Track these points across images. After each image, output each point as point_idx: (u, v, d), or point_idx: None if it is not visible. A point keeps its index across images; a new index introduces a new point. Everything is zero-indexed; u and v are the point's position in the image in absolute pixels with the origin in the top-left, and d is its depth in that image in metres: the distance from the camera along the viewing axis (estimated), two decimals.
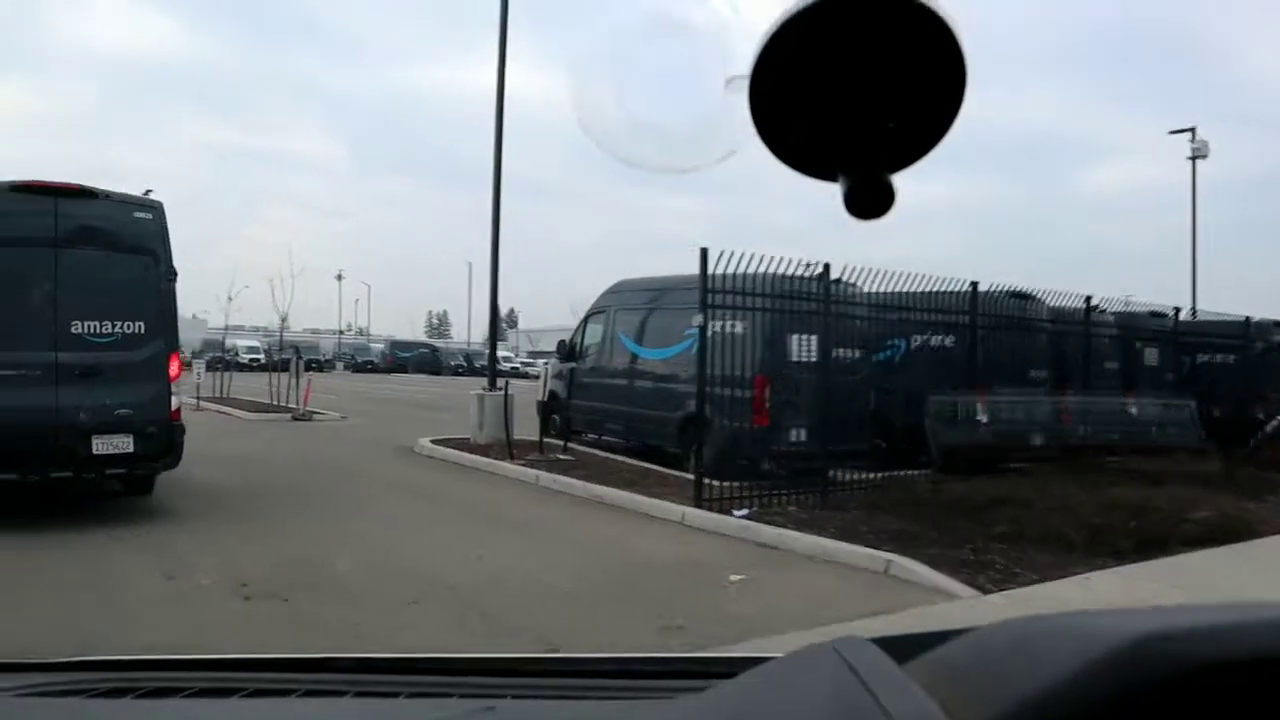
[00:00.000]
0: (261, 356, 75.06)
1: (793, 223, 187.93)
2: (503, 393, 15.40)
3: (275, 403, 23.41)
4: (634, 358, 14.95)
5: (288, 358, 70.10)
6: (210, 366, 29.43)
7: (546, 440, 14.94)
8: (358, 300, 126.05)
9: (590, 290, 17.20)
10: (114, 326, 8.54)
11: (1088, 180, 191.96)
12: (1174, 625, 0.71)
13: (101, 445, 8.32)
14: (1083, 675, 0.68)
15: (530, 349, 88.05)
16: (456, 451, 14.78)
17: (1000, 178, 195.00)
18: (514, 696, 1.31)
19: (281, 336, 28.59)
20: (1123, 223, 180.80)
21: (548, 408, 16.32)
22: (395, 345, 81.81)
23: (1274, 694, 0.66)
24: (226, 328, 31.93)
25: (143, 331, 8.68)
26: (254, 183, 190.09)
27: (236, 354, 73.66)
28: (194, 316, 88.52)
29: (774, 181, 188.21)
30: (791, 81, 0.73)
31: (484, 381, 17.41)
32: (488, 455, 14.14)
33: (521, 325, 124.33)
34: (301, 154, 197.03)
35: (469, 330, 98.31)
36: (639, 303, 15.16)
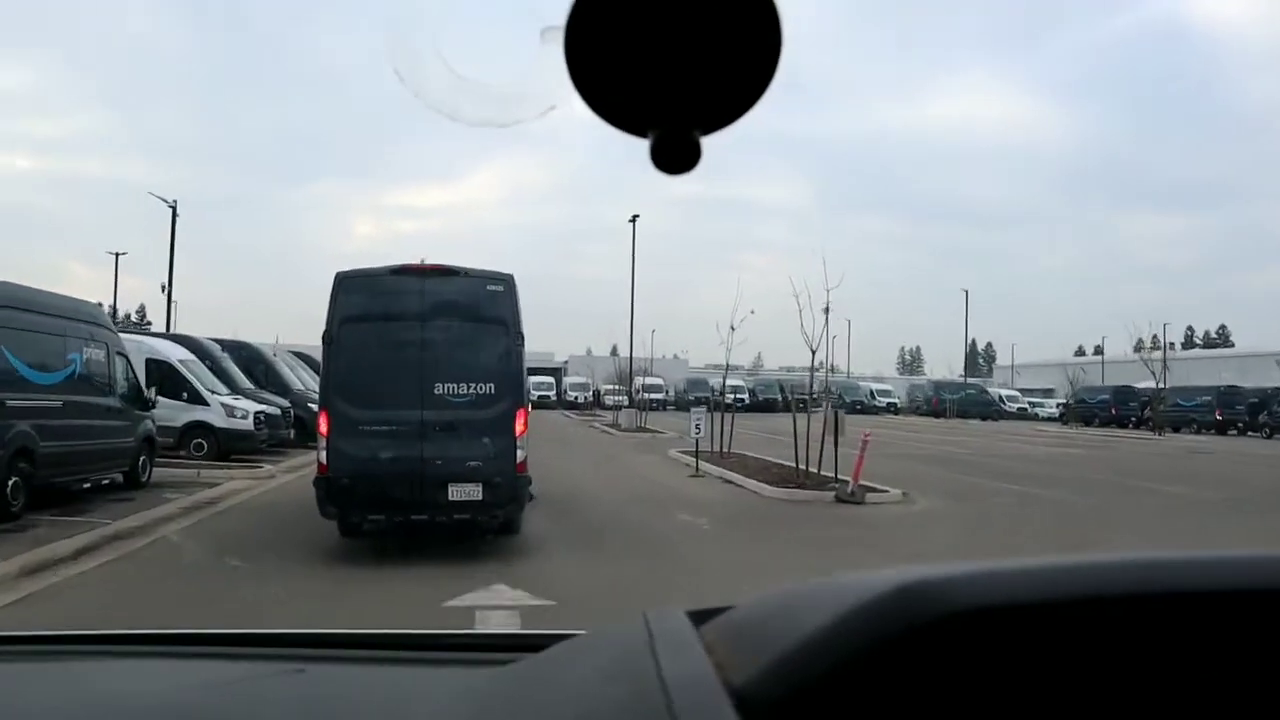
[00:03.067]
0: (746, 396, 70.86)
1: None
2: None
3: (800, 467, 15.92)
4: None
5: (772, 397, 64.07)
6: (710, 409, 23.10)
7: None
8: (834, 337, 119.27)
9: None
10: (469, 388, 9.31)
11: None
12: (923, 577, 0.74)
13: (456, 493, 9.07)
14: (836, 627, 0.71)
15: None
16: None
17: None
18: (327, 662, 1.40)
19: (812, 374, 21.01)
20: None
21: None
22: (940, 386, 73.82)
23: (1011, 635, 0.70)
24: (728, 366, 25.20)
25: (493, 392, 9.32)
26: (725, 231, 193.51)
27: (718, 393, 70.27)
28: (675, 357, 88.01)
29: None
30: (605, 33, 0.73)
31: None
32: None
33: (1000, 361, 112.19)
34: (771, 201, 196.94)
35: (966, 365, 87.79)
36: None
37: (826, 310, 16.78)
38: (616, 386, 61.57)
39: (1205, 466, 22.54)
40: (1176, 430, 46.29)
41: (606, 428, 38.43)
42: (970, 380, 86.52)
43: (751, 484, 15.79)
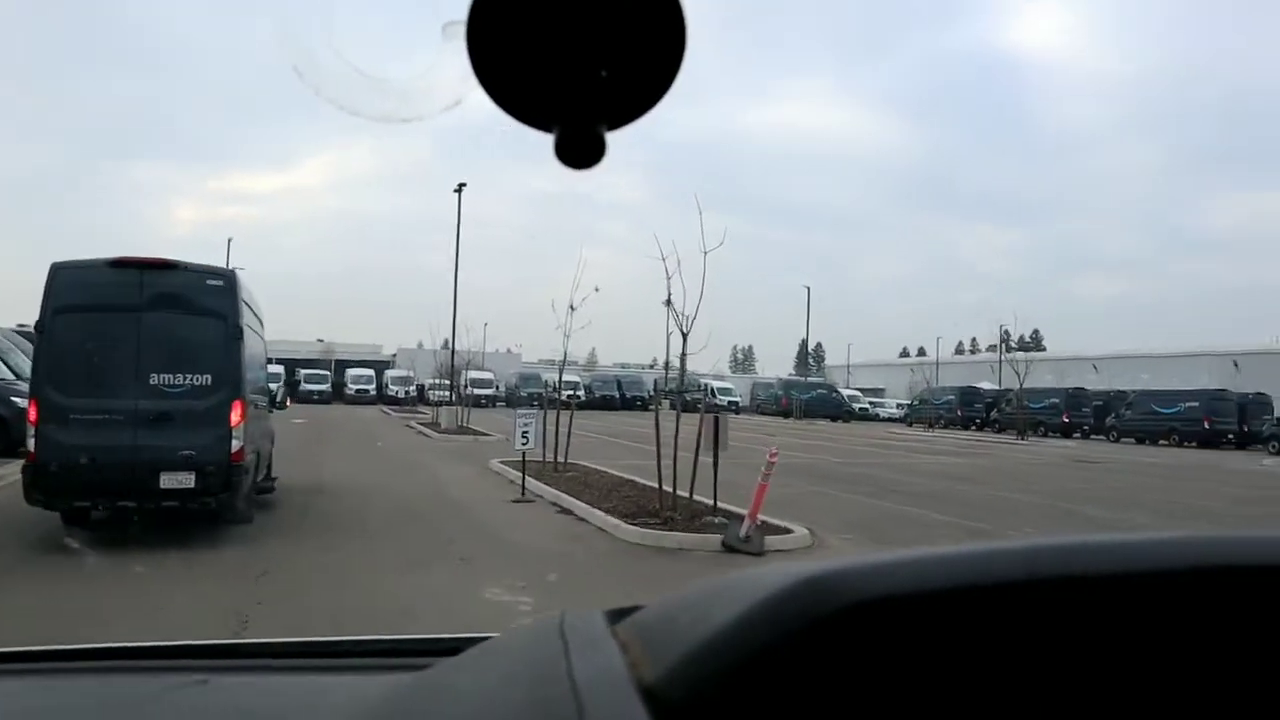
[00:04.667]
0: (581, 393, 66.33)
1: (1121, 250, 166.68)
2: None
3: (664, 489, 11.57)
4: None
5: (610, 394, 59.62)
6: (544, 406, 18.80)
7: None
8: (670, 334, 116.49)
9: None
10: (185, 379, 9.42)
11: None
12: (826, 569, 0.73)
13: (168, 480, 9.17)
14: (741, 622, 0.71)
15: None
16: None
17: None
18: (231, 672, 1.33)
19: (683, 361, 15.97)
20: None
21: None
22: (791, 385, 70.53)
23: (915, 624, 0.69)
24: (565, 355, 20.20)
25: (209, 383, 9.48)
26: (573, 225, 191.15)
27: (553, 389, 65.87)
28: (509, 351, 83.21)
29: (1100, 204, 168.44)
30: (508, 26, 0.72)
31: None
32: None
33: (830, 361, 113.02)
34: (615, 198, 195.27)
35: (802, 364, 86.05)
36: None
37: (668, 302, 12.45)
38: (438, 381, 56.20)
39: (1121, 482, 19.47)
40: (1021, 434, 44.77)
41: (424, 427, 33.32)
42: (814, 379, 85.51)
43: (598, 516, 11.31)
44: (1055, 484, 17.82)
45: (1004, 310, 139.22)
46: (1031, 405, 47.54)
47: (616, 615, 0.89)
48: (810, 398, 63.95)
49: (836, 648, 0.68)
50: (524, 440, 13.67)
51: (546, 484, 14.52)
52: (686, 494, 11.38)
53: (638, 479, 14.10)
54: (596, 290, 18.62)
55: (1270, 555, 0.77)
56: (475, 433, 29.69)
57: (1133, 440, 43.18)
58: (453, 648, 1.10)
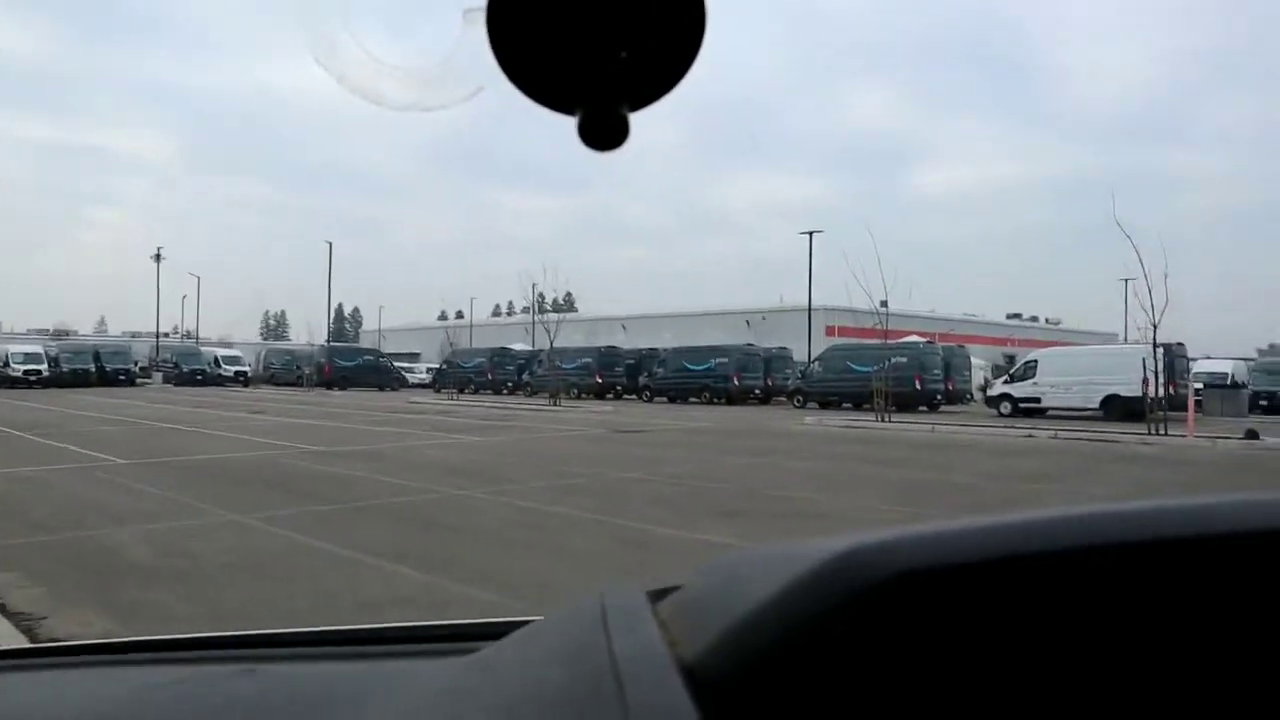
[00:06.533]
0: (43, 367, 53.79)
1: (649, 220, 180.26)
2: None
3: None
4: None
5: (84, 368, 49.10)
6: None
7: None
8: (185, 296, 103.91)
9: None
10: None
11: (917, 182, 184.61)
12: (866, 541, 0.73)
13: None
14: (782, 597, 0.70)
15: None
16: None
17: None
18: (276, 661, 1.29)
19: None
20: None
21: None
22: (334, 352, 61.35)
23: (958, 596, 0.69)
24: None
25: None
26: (79, 182, 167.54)
27: (6, 363, 52.85)
28: None
29: (631, 179, 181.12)
30: (527, 11, 0.73)
31: None
32: None
33: (367, 325, 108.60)
34: (127, 152, 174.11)
35: (331, 328, 78.67)
36: None
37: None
38: None
39: (701, 468, 15.73)
40: (554, 398, 42.06)
41: None
42: (351, 344, 79.12)
43: None
44: (608, 478, 13.46)
45: (538, 272, 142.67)
46: (564, 366, 45.04)
47: (657, 594, 0.88)
48: (356, 365, 57.54)
49: (878, 622, 0.67)
50: None
51: None
52: None
53: None
54: None
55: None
56: None
57: (665, 399, 42.13)
58: (500, 632, 1.08)
